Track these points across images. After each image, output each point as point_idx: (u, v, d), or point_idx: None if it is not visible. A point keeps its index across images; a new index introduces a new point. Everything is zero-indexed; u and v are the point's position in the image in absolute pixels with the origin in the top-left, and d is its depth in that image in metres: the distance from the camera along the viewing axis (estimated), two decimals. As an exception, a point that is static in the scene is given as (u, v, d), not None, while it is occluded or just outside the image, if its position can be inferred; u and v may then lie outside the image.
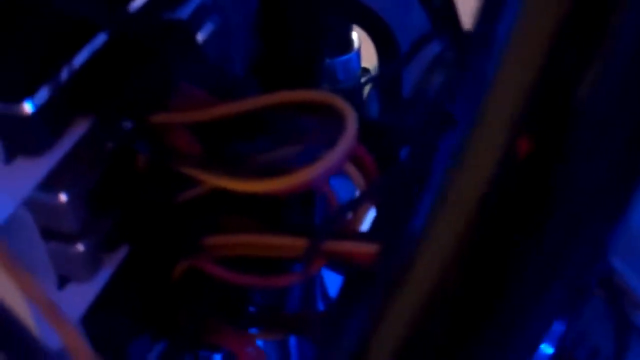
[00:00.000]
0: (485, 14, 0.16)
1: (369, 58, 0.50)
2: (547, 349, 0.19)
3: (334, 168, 0.21)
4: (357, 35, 0.54)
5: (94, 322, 0.25)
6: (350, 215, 0.25)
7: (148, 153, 0.22)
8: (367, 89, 0.54)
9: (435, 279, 0.16)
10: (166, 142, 0.22)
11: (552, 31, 0.13)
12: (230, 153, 0.22)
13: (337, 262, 0.25)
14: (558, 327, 0.20)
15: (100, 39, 0.22)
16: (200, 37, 0.27)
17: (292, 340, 0.38)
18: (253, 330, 0.29)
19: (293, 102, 0.22)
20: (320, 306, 0.36)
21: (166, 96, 0.23)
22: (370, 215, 0.26)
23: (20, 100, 0.20)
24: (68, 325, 0.21)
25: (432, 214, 0.16)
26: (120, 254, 0.25)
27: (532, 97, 0.14)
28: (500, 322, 0.16)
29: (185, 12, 0.26)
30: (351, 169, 0.24)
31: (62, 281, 0.24)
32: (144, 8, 0.22)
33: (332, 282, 0.31)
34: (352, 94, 0.54)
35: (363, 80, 0.50)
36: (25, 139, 0.21)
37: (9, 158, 0.21)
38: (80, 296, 0.24)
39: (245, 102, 0.23)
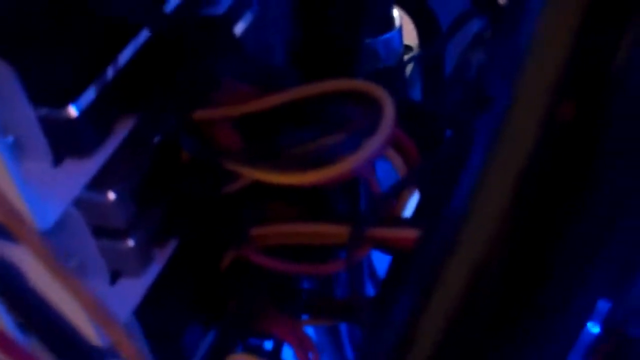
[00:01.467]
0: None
1: (411, 36, 0.49)
2: (593, 327, 0.19)
3: (373, 156, 0.21)
4: (398, 14, 0.54)
5: (148, 314, 0.26)
6: (393, 200, 0.25)
7: (192, 149, 0.23)
8: (410, 68, 0.53)
9: (479, 257, 0.16)
10: (209, 137, 0.23)
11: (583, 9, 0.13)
12: (272, 145, 0.22)
13: (382, 248, 0.25)
14: (604, 305, 0.19)
15: (141, 38, 0.22)
16: (239, 28, 0.27)
17: (343, 326, 0.38)
18: (302, 317, 0.29)
19: (332, 91, 0.22)
20: (369, 287, 0.36)
21: (208, 91, 0.23)
22: (414, 199, 0.26)
23: (65, 104, 0.20)
24: (115, 324, 0.22)
25: (474, 189, 0.16)
26: (170, 247, 0.26)
27: (570, 64, 0.14)
28: (546, 299, 0.16)
29: (222, 6, 0.26)
30: (392, 154, 0.24)
31: (114, 276, 0.25)
32: (181, 6, 0.22)
33: (381, 261, 0.31)
34: (394, 73, 0.53)
35: (405, 59, 0.50)
36: (72, 141, 0.21)
37: (57, 160, 0.22)
38: (132, 290, 0.25)
39: (285, 94, 0.23)
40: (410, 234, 0.24)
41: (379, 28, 0.54)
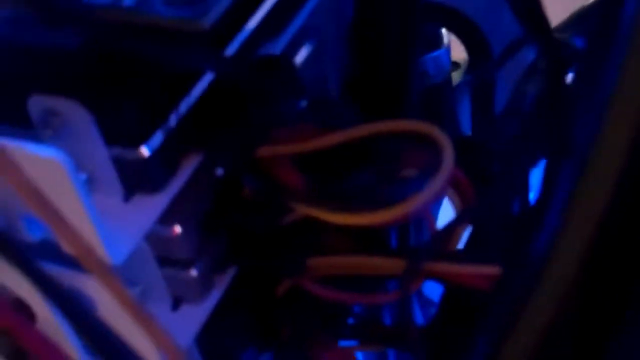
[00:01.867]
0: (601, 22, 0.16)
1: (458, 51, 0.50)
2: None
3: (436, 198, 0.21)
4: (445, 31, 0.54)
5: (206, 339, 0.27)
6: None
7: (254, 186, 0.24)
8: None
9: (559, 300, 0.16)
10: (272, 174, 0.24)
11: None
12: (335, 185, 0.23)
13: (435, 280, 0.26)
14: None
15: (205, 81, 0.23)
16: (297, 61, 0.28)
17: (392, 352, 0.39)
18: (352, 342, 0.30)
19: (391, 131, 0.23)
20: (418, 313, 0.37)
21: (270, 130, 0.24)
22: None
23: (138, 145, 0.21)
24: (177, 350, 0.22)
25: (556, 234, 0.16)
26: (229, 275, 0.27)
27: None
28: (618, 351, 0.17)
29: (280, 44, 0.26)
30: (448, 190, 0.25)
31: (176, 303, 0.26)
32: (241, 48, 0.23)
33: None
34: (443, 90, 0.54)
35: (455, 83, 0.50)
36: (142, 179, 0.22)
37: (128, 196, 0.23)
38: (194, 317, 0.26)
39: (343, 133, 0.23)
40: (465, 269, 0.24)
41: (427, 45, 0.54)
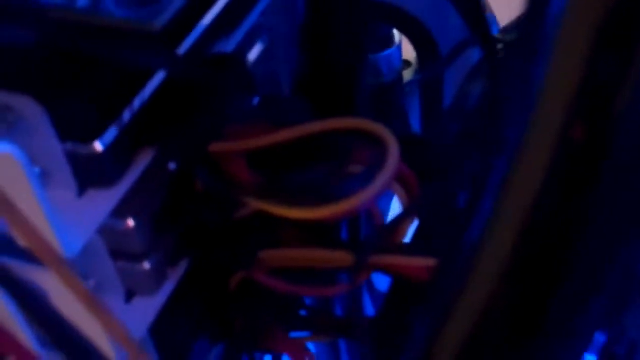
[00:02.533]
0: (527, 22, 0.17)
1: (410, 51, 0.51)
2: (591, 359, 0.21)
3: (381, 192, 0.22)
4: (397, 31, 0.55)
5: (160, 330, 0.27)
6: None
7: (206, 182, 0.24)
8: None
9: (493, 287, 0.17)
10: (224, 170, 0.24)
11: (591, 40, 0.14)
12: (284, 181, 0.24)
13: (383, 272, 0.27)
14: (600, 338, 0.21)
15: (158, 79, 0.24)
16: (249, 59, 0.29)
17: (342, 342, 0.40)
18: (304, 334, 0.31)
19: (339, 129, 0.24)
20: (368, 304, 0.38)
21: (223, 125, 0.25)
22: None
23: (91, 140, 0.22)
24: (131, 341, 0.23)
25: (489, 222, 0.17)
26: (182, 267, 0.27)
27: (583, 89, 0.15)
28: (550, 331, 0.18)
29: (233, 42, 0.27)
30: (395, 186, 0.26)
31: (130, 295, 0.27)
32: (193, 47, 0.24)
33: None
34: (394, 88, 0.55)
35: (405, 81, 0.51)
36: (96, 173, 0.23)
37: (81, 191, 0.23)
38: (147, 308, 0.26)
39: (294, 130, 0.24)
40: (410, 261, 0.25)
41: (379, 45, 0.55)
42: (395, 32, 0.57)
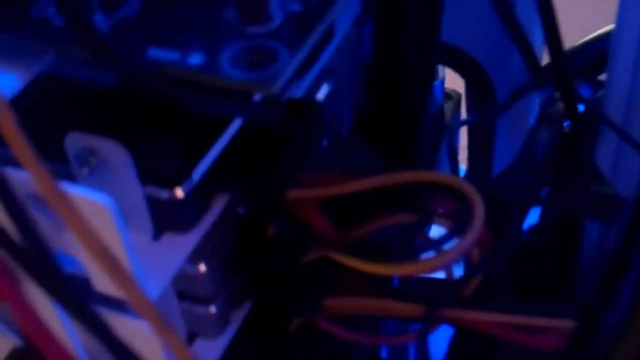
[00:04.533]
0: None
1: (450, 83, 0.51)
2: None
3: (466, 253, 0.22)
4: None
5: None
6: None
7: (282, 230, 0.24)
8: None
9: None
10: (299, 217, 0.24)
11: None
12: (364, 235, 0.23)
13: (449, 325, 0.27)
14: None
15: (236, 125, 0.23)
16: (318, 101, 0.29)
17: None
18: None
19: (422, 181, 0.23)
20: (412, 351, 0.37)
21: (298, 171, 0.24)
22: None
23: (173, 186, 0.22)
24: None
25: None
26: (244, 310, 0.27)
27: None
28: None
29: (305, 83, 0.27)
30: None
31: (191, 337, 0.26)
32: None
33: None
34: (436, 119, 0.55)
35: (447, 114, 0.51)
36: (173, 219, 0.22)
37: (157, 235, 0.23)
38: (210, 352, 0.26)
39: (368, 180, 0.24)
40: (479, 316, 0.25)
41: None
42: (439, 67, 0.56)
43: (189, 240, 0.23)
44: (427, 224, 0.24)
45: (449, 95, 0.59)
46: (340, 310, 0.27)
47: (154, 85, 0.19)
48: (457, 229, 0.22)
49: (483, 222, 0.21)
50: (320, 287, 0.27)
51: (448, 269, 0.26)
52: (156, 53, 0.19)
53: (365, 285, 0.27)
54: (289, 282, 0.26)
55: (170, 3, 0.21)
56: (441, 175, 0.23)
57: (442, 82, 0.57)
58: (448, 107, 0.59)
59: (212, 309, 0.25)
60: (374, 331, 0.29)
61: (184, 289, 0.25)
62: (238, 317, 0.27)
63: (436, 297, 0.26)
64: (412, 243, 0.23)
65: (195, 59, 0.19)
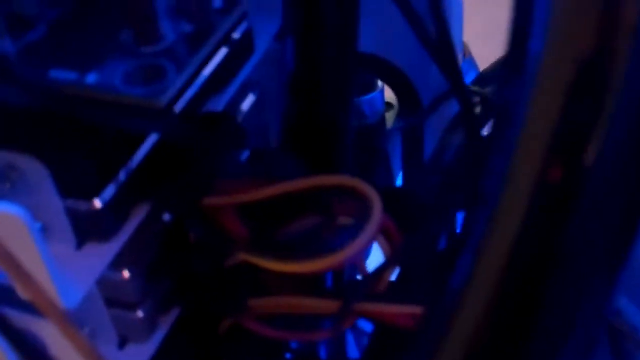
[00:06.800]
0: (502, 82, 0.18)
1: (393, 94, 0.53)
2: None
3: (366, 247, 0.24)
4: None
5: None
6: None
7: (200, 235, 0.25)
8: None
9: (477, 326, 0.18)
10: (216, 223, 0.25)
11: (564, 91, 0.16)
12: (274, 235, 0.25)
13: (366, 318, 0.28)
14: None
15: (154, 137, 0.25)
16: (240, 114, 0.30)
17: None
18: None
19: (327, 185, 0.25)
20: (352, 344, 0.39)
21: (214, 180, 0.26)
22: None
23: (91, 197, 0.23)
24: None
25: (466, 274, 0.18)
26: (173, 315, 0.28)
27: (558, 136, 0.16)
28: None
29: (225, 98, 0.28)
30: (378, 237, 0.27)
31: (123, 341, 0.28)
32: (187, 108, 0.25)
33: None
34: (377, 130, 0.57)
35: (388, 122, 0.53)
36: (94, 229, 0.24)
37: (80, 244, 0.24)
38: (139, 355, 0.27)
39: (281, 186, 0.25)
40: (393, 309, 0.27)
41: (363, 88, 0.57)
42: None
43: (110, 249, 0.24)
44: (334, 224, 0.26)
45: (390, 105, 0.61)
46: (265, 310, 0.28)
47: (53, 104, 0.20)
48: (359, 226, 0.24)
49: (380, 216, 0.23)
50: (244, 289, 0.28)
51: (362, 266, 0.28)
52: (56, 74, 0.21)
53: (286, 287, 0.28)
54: (214, 286, 0.28)
55: (73, 28, 0.22)
56: (344, 178, 0.25)
57: (382, 92, 0.59)
58: (390, 116, 0.61)
59: (140, 314, 0.27)
60: (308, 329, 0.30)
61: (112, 296, 0.26)
62: (167, 321, 0.28)
63: (350, 293, 0.27)
64: (321, 242, 0.24)
65: (92, 77, 0.21)
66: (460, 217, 0.34)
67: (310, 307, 0.28)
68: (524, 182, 0.17)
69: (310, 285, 0.29)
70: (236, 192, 0.26)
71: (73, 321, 0.23)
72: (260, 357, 0.31)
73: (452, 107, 0.41)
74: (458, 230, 0.33)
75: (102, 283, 0.26)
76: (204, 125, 0.26)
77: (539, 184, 0.17)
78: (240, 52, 0.29)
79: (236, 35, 0.27)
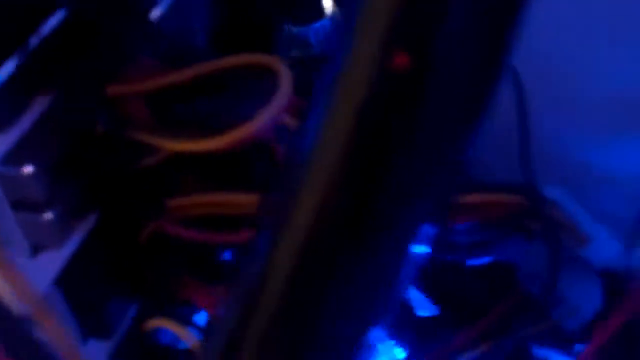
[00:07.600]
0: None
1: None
2: (422, 249, 0.21)
3: (270, 120, 0.22)
4: (330, 3, 0.56)
5: (70, 285, 0.27)
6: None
7: (104, 121, 0.24)
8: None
9: (324, 193, 0.17)
10: (122, 111, 0.24)
11: None
12: (177, 116, 0.24)
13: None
14: (431, 231, 0.21)
15: (57, 18, 0.23)
16: (158, 10, 0.29)
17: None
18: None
19: (234, 65, 0.24)
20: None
21: (121, 68, 0.24)
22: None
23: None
24: (32, 294, 0.23)
25: (315, 136, 0.17)
26: (90, 220, 0.27)
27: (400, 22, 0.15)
28: (378, 226, 0.18)
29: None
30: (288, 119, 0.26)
31: (37, 250, 0.26)
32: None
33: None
34: (323, 60, 0.55)
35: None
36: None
37: (-28, 135, 0.23)
38: (52, 262, 0.26)
39: (189, 70, 0.24)
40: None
41: (310, 17, 0.56)
42: (328, 5, 0.57)
43: (6, 140, 0.23)
44: (243, 104, 0.24)
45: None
46: (185, 211, 0.27)
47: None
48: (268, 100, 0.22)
49: (290, 90, 0.22)
50: (162, 190, 0.27)
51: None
52: None
53: (204, 184, 0.27)
54: (129, 188, 0.27)
55: None
56: (249, 56, 0.24)
57: (332, 19, 0.57)
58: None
59: (49, 215, 0.25)
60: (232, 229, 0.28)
61: (18, 197, 0.25)
62: (83, 227, 0.27)
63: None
64: (229, 118, 0.23)
65: None
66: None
67: (232, 204, 0.26)
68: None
69: (231, 183, 0.27)
70: (143, 79, 0.24)
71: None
72: (185, 264, 0.29)
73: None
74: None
75: (5, 182, 0.24)
76: (110, 8, 0.24)
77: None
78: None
79: None
